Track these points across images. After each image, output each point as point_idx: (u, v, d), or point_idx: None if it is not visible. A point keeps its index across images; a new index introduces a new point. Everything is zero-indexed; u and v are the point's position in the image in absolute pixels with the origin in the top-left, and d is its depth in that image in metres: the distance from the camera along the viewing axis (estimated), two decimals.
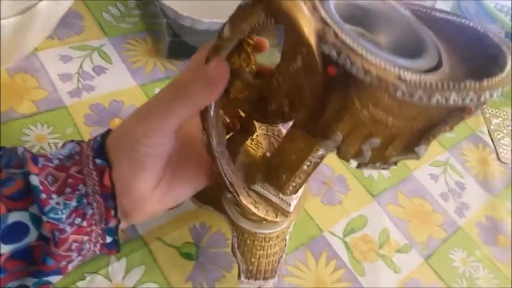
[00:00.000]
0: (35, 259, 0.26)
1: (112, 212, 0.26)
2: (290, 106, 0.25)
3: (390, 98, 0.21)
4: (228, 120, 0.32)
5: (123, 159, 0.26)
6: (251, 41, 0.28)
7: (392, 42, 0.25)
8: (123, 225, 0.28)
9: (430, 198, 0.49)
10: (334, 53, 0.21)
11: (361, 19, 0.25)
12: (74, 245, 0.26)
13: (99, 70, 0.46)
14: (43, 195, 0.25)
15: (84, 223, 0.26)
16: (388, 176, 0.49)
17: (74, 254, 0.26)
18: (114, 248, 0.29)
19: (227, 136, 0.31)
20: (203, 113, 0.26)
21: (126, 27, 0.51)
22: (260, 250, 0.33)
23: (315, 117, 0.24)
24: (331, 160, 0.48)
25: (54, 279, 0.27)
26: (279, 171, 0.30)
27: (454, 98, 0.21)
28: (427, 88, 0.20)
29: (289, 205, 0.31)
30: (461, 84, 0.21)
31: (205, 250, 0.37)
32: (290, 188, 0.30)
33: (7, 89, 0.41)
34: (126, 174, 0.26)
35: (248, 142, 0.34)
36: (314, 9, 0.22)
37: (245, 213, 0.32)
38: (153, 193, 0.27)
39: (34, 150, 0.38)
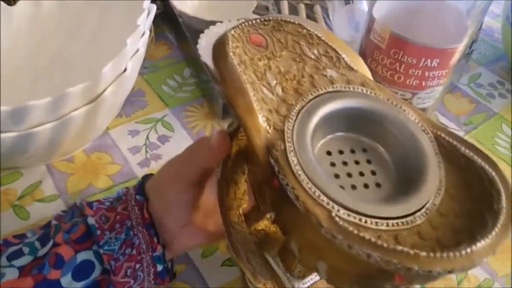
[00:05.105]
0: None
1: (155, 239, 0.31)
2: (261, 202, 0.26)
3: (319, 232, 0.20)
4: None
5: (156, 200, 0.32)
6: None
7: (392, 155, 0.24)
8: (167, 255, 0.32)
9: None
10: (276, 168, 0.21)
11: (367, 123, 0.25)
12: (129, 271, 0.30)
13: (163, 139, 0.50)
14: (98, 232, 0.30)
15: (134, 252, 0.30)
16: None
17: (131, 281, 0.30)
18: (166, 276, 0.32)
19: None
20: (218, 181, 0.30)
21: (184, 96, 0.55)
22: None
23: (276, 221, 0.24)
24: None
25: None
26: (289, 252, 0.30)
27: (376, 259, 0.18)
28: (349, 236, 0.19)
29: (293, 287, 0.31)
30: (389, 246, 0.19)
31: None
32: (296, 271, 0.30)
33: (85, 168, 0.46)
34: (158, 212, 0.31)
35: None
36: (283, 121, 0.23)
37: None
38: (182, 231, 0.32)
39: None
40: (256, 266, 0.30)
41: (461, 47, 0.44)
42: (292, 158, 0.21)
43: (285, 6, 0.67)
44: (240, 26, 0.26)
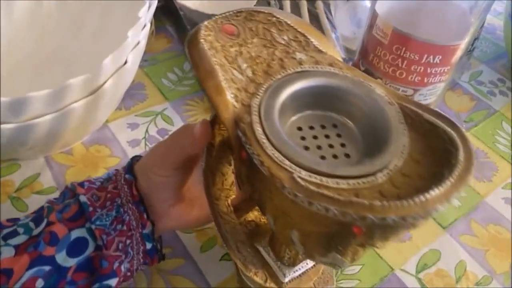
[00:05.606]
0: (95, 268, 0.30)
1: (145, 215, 0.32)
2: (242, 185, 0.27)
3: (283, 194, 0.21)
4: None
5: (143, 182, 0.32)
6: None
7: (360, 128, 0.25)
8: (156, 234, 0.33)
9: (507, 224, 0.46)
10: (243, 139, 0.22)
11: (334, 100, 0.25)
12: (120, 245, 0.31)
13: (163, 133, 0.49)
14: (90, 208, 0.31)
15: (124, 228, 0.31)
16: (458, 205, 0.47)
17: (122, 255, 0.31)
18: (155, 255, 0.33)
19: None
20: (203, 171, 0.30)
21: (184, 89, 0.55)
22: None
23: (252, 197, 0.25)
24: None
25: (113, 282, 0.30)
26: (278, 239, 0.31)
27: (334, 212, 0.19)
28: (309, 194, 0.20)
29: (284, 275, 0.31)
30: (346, 199, 0.19)
31: None
32: (286, 258, 0.31)
33: (84, 160, 0.45)
34: (146, 192, 0.32)
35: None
36: (251, 98, 0.24)
37: None
38: (169, 211, 0.33)
39: None
40: (247, 256, 0.30)
41: (463, 44, 0.44)
42: (257, 128, 0.22)
43: (287, 2, 0.66)
44: (214, 19, 0.27)
